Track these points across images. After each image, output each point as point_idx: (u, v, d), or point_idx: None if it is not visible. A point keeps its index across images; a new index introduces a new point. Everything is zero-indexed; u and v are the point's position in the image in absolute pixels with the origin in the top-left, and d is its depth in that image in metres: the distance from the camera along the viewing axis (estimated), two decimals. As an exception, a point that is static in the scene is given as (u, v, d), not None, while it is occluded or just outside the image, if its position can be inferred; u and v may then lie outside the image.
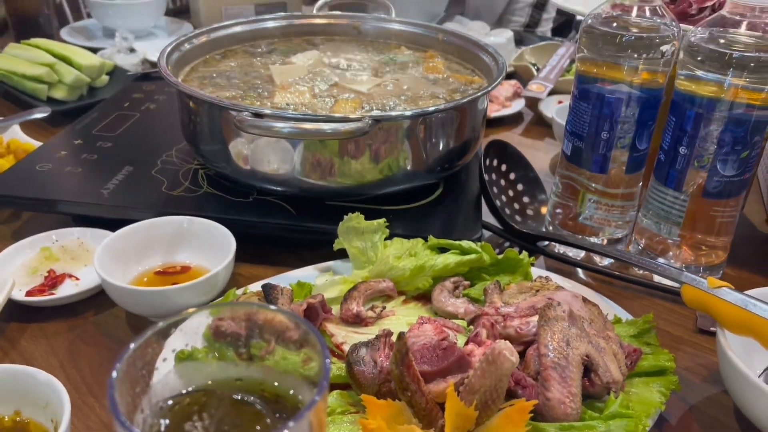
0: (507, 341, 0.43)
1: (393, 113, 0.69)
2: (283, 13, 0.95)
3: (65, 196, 0.67)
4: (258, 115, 0.61)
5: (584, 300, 0.52)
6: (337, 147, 0.65)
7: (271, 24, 0.91)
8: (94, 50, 1.12)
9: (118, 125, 0.82)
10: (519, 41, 1.31)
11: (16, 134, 0.80)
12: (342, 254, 0.62)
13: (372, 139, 0.65)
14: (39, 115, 0.86)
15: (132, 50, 1.16)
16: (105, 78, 1.03)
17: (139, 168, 0.73)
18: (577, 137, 0.67)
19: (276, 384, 0.33)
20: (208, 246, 0.63)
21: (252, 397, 0.32)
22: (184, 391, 0.32)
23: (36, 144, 0.78)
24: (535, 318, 0.49)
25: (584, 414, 0.44)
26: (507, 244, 0.72)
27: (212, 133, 0.69)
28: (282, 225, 0.66)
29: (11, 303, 0.57)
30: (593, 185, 0.68)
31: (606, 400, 0.45)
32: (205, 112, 0.68)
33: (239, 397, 0.32)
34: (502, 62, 0.79)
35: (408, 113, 0.67)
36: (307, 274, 0.61)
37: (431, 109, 0.67)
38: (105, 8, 1.24)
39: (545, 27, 1.59)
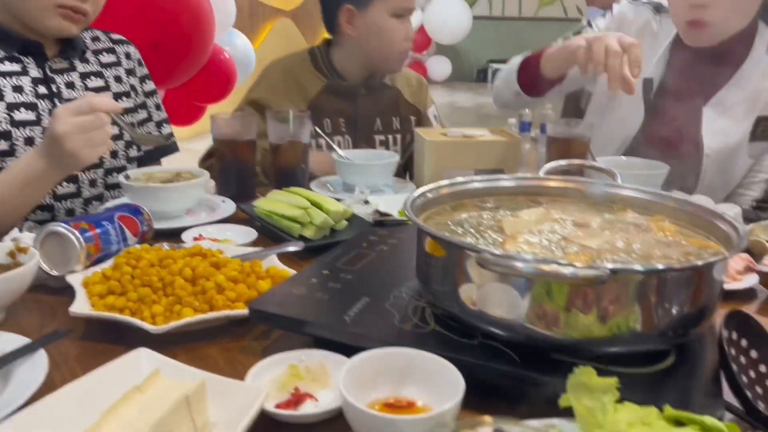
0: None
1: (632, 267, 0.69)
2: (516, 174, 1.02)
3: (314, 318, 0.76)
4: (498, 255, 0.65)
5: None
6: (565, 299, 0.66)
7: (504, 183, 0.99)
8: (336, 200, 1.28)
9: (358, 261, 0.93)
10: (746, 218, 1.27)
11: (273, 262, 0.94)
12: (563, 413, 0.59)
13: (602, 293, 0.65)
14: (293, 248, 1.00)
15: (366, 202, 1.32)
16: (344, 223, 1.17)
17: (375, 300, 0.80)
18: None
19: None
20: (434, 383, 0.65)
21: None
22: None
23: (290, 271, 0.89)
24: None
25: None
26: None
27: (446, 272, 0.74)
28: (506, 372, 0.67)
29: (261, 414, 0.63)
30: None
31: None
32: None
33: None
34: (743, 230, 0.76)
35: (646, 268, 0.66)
36: None
37: (676, 266, 0.66)
38: (348, 167, 1.45)
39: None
